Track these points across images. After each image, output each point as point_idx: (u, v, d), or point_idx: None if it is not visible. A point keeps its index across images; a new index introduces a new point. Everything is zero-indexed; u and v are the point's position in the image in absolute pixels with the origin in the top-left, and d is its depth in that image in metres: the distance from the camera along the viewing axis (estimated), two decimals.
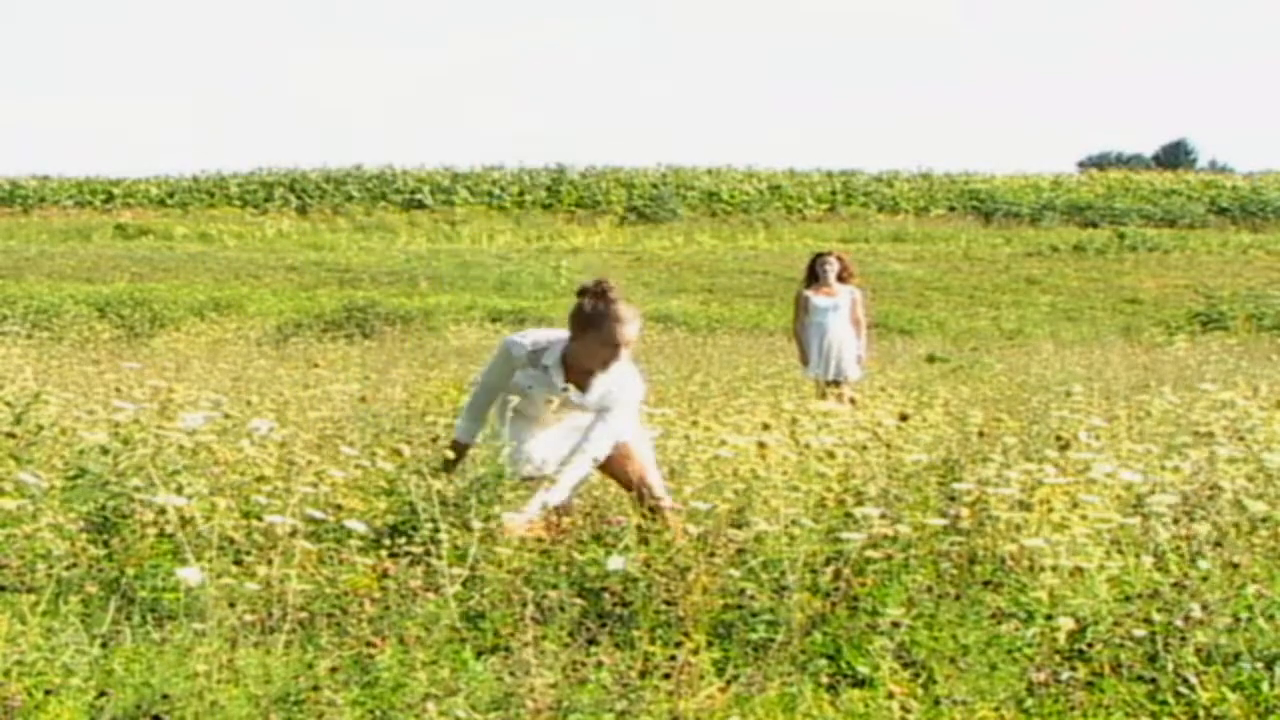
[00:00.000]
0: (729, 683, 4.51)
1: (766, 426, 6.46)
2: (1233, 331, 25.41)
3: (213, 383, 10.63)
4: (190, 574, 4.73)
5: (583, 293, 6.11)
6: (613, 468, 6.19)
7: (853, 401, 10.25)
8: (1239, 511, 5.64)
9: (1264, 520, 5.61)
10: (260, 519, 5.40)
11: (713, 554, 5.22)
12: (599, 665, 4.47)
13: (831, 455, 6.13)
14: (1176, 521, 5.54)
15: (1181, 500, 5.77)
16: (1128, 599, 4.99)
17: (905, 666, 4.71)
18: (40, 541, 5.34)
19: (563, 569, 5.37)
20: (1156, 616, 4.79)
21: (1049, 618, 4.87)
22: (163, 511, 5.33)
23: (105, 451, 6.23)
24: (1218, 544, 5.33)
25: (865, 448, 6.44)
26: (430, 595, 5.02)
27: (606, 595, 5.20)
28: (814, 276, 12.67)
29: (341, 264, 36.46)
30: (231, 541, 5.33)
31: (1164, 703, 4.52)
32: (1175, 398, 8.43)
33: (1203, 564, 5.13)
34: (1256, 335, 24.67)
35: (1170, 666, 4.62)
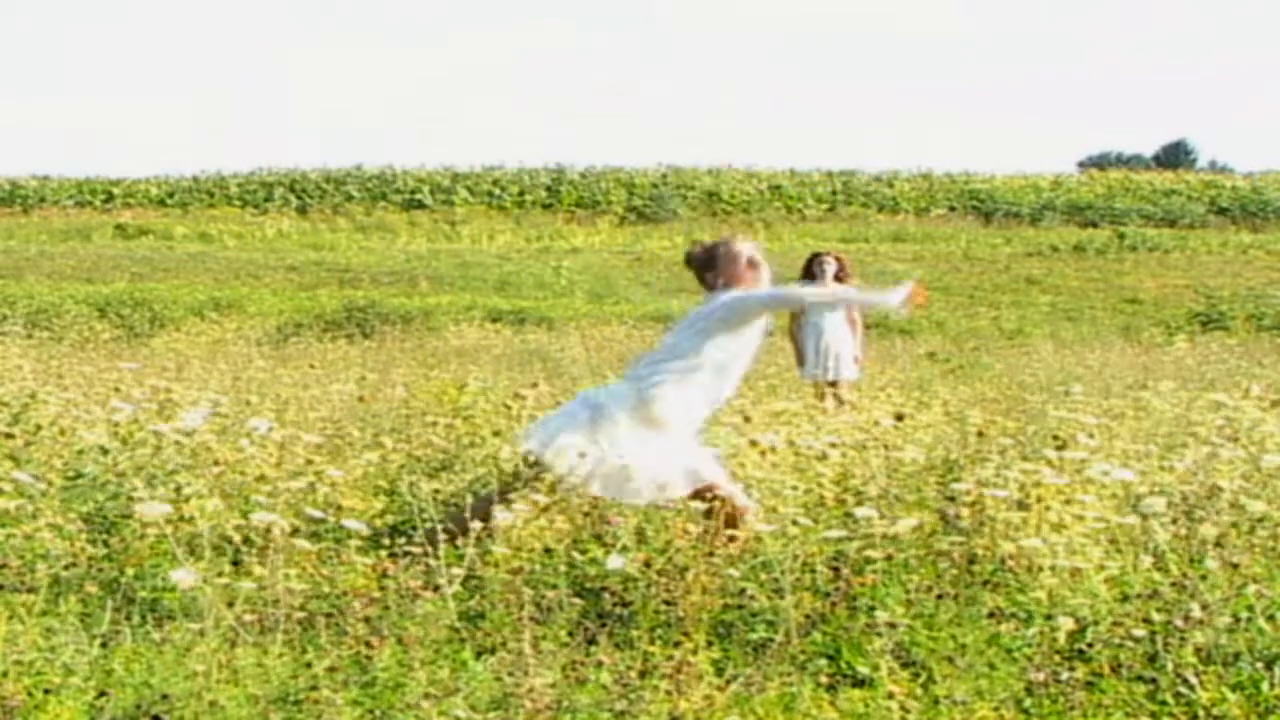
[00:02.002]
0: (728, 682, 4.50)
1: (747, 419, 6.46)
2: (1233, 331, 25.37)
3: (212, 383, 10.62)
4: (182, 575, 4.73)
5: (692, 258, 6.36)
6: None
7: (848, 402, 10.23)
8: (1238, 512, 5.63)
9: (1261, 520, 5.60)
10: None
11: (712, 554, 5.22)
12: (599, 665, 4.47)
13: (824, 457, 6.12)
14: (1175, 521, 5.53)
15: (1181, 500, 5.77)
16: (1127, 599, 4.98)
17: (904, 666, 4.71)
18: (39, 541, 5.35)
19: (562, 569, 5.37)
20: (1156, 616, 4.78)
21: (1048, 618, 4.87)
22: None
23: (105, 451, 6.23)
24: (1218, 544, 5.32)
25: (864, 448, 6.44)
26: (429, 595, 5.01)
27: (606, 595, 5.20)
28: (810, 277, 12.63)
29: (341, 264, 36.44)
30: (229, 541, 5.33)
31: (1164, 703, 4.51)
32: (1172, 398, 8.42)
33: (1205, 564, 5.12)
34: (1256, 335, 24.63)
35: (1170, 666, 4.61)
